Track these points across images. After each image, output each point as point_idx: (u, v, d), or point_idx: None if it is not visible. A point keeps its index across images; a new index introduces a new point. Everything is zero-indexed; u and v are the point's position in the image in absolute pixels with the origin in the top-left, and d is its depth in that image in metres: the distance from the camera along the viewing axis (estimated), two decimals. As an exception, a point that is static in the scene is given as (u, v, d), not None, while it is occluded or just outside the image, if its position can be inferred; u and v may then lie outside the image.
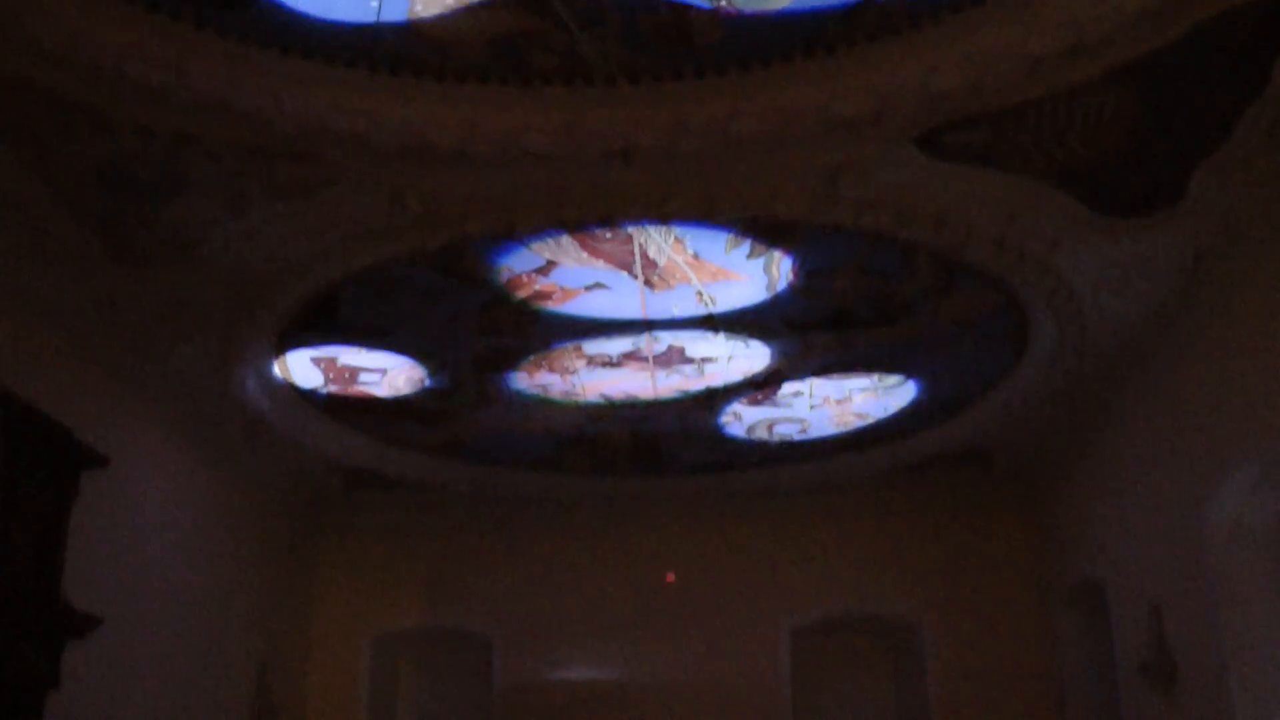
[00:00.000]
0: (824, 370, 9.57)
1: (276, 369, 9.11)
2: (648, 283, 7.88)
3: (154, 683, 9.01)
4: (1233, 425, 7.36)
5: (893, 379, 9.83)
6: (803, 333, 8.72)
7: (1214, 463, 7.63)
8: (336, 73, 5.67)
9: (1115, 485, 9.75)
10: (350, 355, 9.03)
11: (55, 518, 7.19)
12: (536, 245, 7.30)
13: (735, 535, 12.92)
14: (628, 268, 7.66)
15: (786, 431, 11.12)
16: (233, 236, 6.93)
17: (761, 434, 11.18)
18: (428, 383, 9.60)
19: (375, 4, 5.28)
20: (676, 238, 7.28)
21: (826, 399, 10.30)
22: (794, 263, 7.60)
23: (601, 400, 10.24)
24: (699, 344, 9.02)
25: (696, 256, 7.53)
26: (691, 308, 8.27)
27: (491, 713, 12.70)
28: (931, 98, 5.71)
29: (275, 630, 11.77)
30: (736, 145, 6.09)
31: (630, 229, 7.16)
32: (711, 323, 8.54)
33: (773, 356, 9.22)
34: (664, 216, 6.87)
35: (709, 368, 9.50)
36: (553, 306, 8.21)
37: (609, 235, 7.24)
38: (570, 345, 8.98)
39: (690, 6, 5.32)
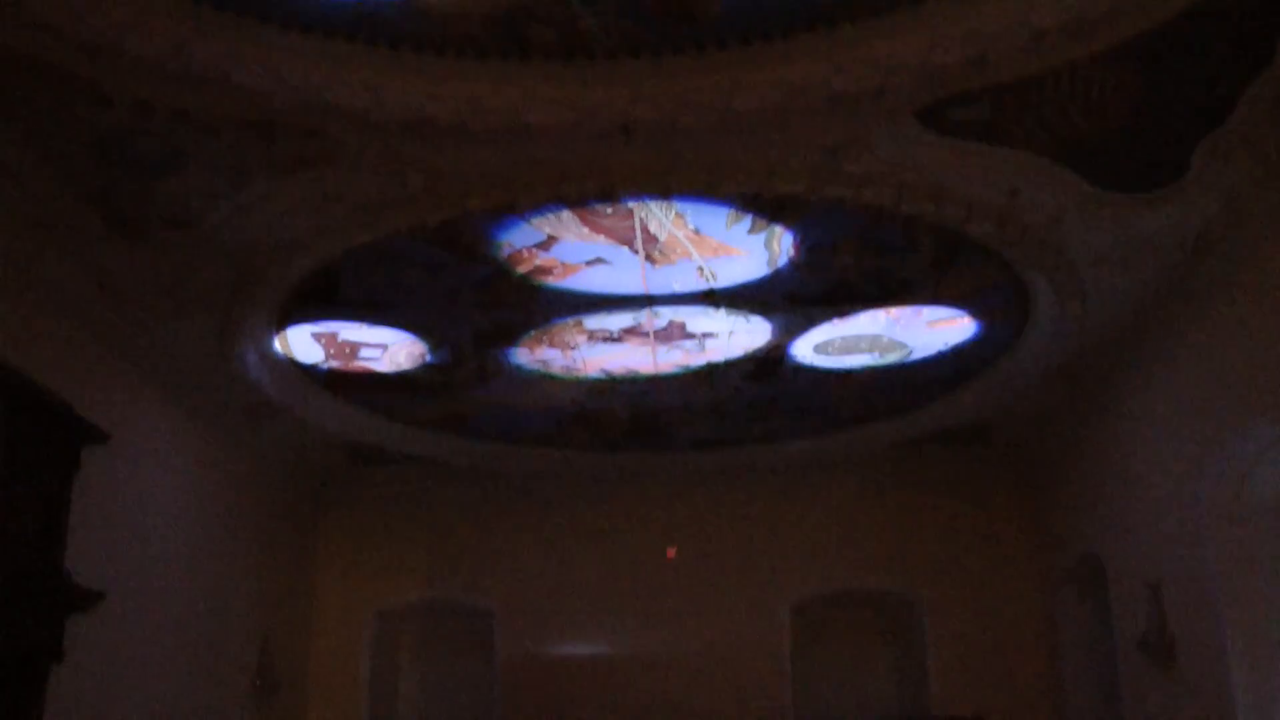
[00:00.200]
0: (824, 348, 9.58)
1: (277, 344, 9.10)
2: (648, 258, 7.86)
3: (157, 656, 9.06)
4: (1233, 402, 7.37)
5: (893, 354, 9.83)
6: (804, 308, 8.72)
7: (1214, 440, 7.65)
8: (337, 47, 5.64)
9: (1115, 461, 9.76)
10: (351, 330, 9.02)
11: (57, 493, 7.23)
12: (537, 220, 7.28)
13: (735, 511, 12.96)
14: (628, 243, 7.65)
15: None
16: (233, 211, 6.91)
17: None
18: (429, 358, 9.60)
19: (375, -22, 5.26)
20: (677, 213, 7.27)
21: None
22: (795, 238, 7.58)
23: (602, 375, 10.24)
24: (700, 319, 9.02)
25: (697, 232, 7.52)
26: (692, 283, 8.26)
27: (493, 686, 12.77)
28: (933, 72, 5.69)
29: (278, 604, 11.82)
30: (737, 120, 6.06)
31: (631, 204, 7.14)
32: (712, 298, 8.53)
33: (774, 331, 9.22)
34: (665, 191, 6.85)
35: (710, 343, 9.50)
36: (553, 282, 8.20)
37: (610, 210, 7.22)
38: (571, 320, 8.98)
39: (691, -19, 5.30)
